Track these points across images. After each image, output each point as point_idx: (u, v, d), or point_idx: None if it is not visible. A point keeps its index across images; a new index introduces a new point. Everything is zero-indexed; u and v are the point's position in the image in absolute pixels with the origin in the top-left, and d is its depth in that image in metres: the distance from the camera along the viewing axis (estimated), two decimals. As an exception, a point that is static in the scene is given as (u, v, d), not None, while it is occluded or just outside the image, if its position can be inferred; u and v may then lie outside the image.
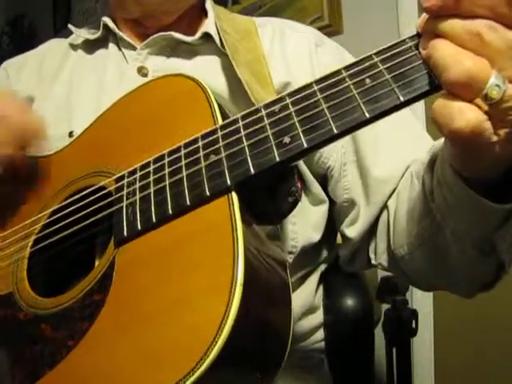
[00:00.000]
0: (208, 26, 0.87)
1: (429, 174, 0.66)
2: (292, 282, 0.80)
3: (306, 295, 0.87)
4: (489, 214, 0.55)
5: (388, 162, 0.80)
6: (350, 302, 0.93)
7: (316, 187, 0.85)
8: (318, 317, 0.90)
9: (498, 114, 0.42)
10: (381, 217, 0.81)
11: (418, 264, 0.74)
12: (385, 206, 0.80)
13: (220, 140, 0.53)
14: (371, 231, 0.82)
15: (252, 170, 0.50)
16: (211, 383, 0.43)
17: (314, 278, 0.89)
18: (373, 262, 0.83)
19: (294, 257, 0.81)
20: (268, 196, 0.55)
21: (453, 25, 0.42)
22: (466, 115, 0.41)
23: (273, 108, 0.51)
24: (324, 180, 0.85)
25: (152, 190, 0.56)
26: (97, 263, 0.64)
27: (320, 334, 0.90)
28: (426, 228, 0.68)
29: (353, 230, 0.83)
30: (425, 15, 0.45)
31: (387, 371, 1.23)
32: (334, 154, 0.82)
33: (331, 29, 1.98)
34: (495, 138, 0.43)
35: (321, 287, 0.92)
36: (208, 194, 0.51)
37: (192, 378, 0.42)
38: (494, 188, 0.54)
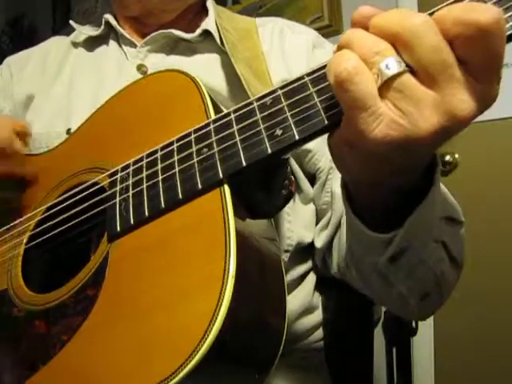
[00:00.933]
0: (208, 23, 0.87)
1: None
2: (289, 281, 0.80)
3: (304, 295, 0.87)
4: (370, 241, 0.56)
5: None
6: (349, 301, 0.93)
7: (306, 186, 0.85)
8: (317, 316, 0.90)
9: (388, 95, 0.42)
10: (339, 229, 0.81)
11: (354, 281, 0.74)
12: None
13: (212, 134, 0.53)
14: (331, 242, 0.83)
15: (244, 162, 0.49)
16: (202, 377, 0.43)
17: (312, 278, 0.89)
18: (330, 271, 0.84)
19: (289, 255, 0.81)
20: (261, 189, 0.55)
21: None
22: (364, 81, 0.42)
23: (265, 100, 0.51)
24: (312, 180, 0.86)
25: (145, 184, 0.56)
26: (91, 259, 0.64)
27: (319, 334, 0.90)
28: (348, 249, 0.70)
29: (320, 239, 0.84)
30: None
31: (387, 371, 1.22)
32: (325, 157, 0.83)
33: (331, 29, 1.99)
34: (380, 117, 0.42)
35: (319, 286, 0.92)
36: (200, 187, 0.51)
37: (183, 372, 0.42)
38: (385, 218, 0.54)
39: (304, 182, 0.84)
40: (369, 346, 0.99)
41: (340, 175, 0.79)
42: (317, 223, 0.86)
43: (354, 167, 0.49)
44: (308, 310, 0.87)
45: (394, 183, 0.50)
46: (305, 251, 0.85)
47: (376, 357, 1.01)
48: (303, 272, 0.87)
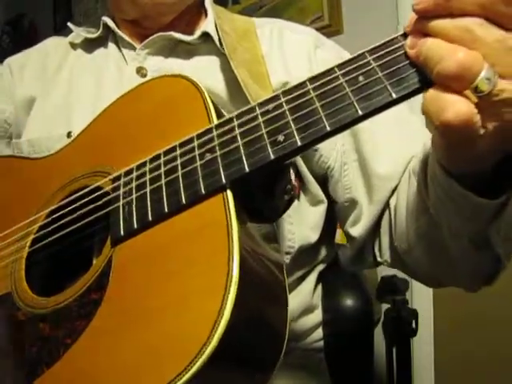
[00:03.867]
0: (207, 25, 0.87)
1: (423, 171, 0.66)
2: (289, 282, 0.81)
3: (304, 294, 0.87)
4: (479, 209, 0.56)
5: (389, 159, 0.80)
6: (349, 301, 0.94)
7: (315, 187, 0.85)
8: (317, 316, 0.90)
9: (486, 108, 0.42)
10: (384, 214, 0.81)
11: (420, 259, 0.74)
12: (387, 204, 0.80)
13: (215, 139, 0.54)
14: (375, 229, 0.83)
15: (247, 168, 0.50)
16: (206, 380, 0.43)
17: (312, 278, 0.90)
18: (378, 259, 0.83)
19: (291, 257, 0.81)
20: (263, 194, 0.55)
21: (444, 23, 0.43)
22: (457, 106, 0.42)
23: (267, 106, 0.52)
24: (324, 180, 0.85)
25: (148, 189, 0.56)
26: (94, 262, 0.64)
27: (319, 334, 0.90)
28: (424, 224, 0.69)
29: (356, 229, 0.83)
30: (413, 15, 0.45)
31: (387, 371, 1.23)
32: (334, 154, 0.82)
33: (331, 29, 1.98)
34: (482, 131, 0.43)
35: (319, 287, 0.93)
36: (203, 192, 0.51)
37: (187, 375, 0.42)
38: (484, 183, 0.54)
39: (313, 185, 0.84)
40: (369, 346, 0.99)
41: (377, 160, 0.80)
42: (343, 219, 0.87)
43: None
44: (308, 310, 0.87)
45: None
46: (307, 252, 0.86)
47: (376, 357, 1.01)
48: (304, 273, 0.87)
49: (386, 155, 0.81)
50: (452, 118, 0.42)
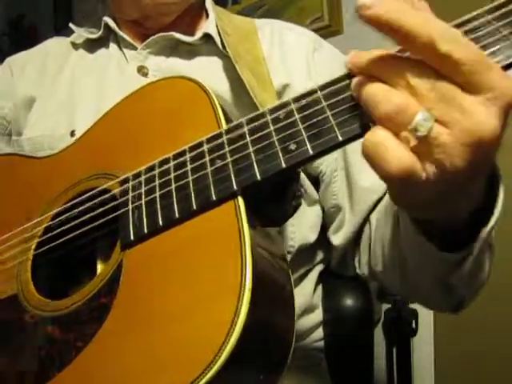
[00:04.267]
0: (209, 26, 0.87)
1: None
2: (290, 282, 0.81)
3: (304, 294, 0.88)
4: (438, 259, 0.57)
5: (373, 172, 0.80)
6: (349, 301, 0.94)
7: (310, 188, 0.86)
8: (317, 316, 0.90)
9: (425, 152, 0.41)
10: (364, 229, 0.82)
11: (392, 283, 0.76)
12: (368, 218, 0.81)
13: (226, 145, 0.54)
14: (355, 240, 0.84)
15: (258, 176, 0.50)
16: None
17: (312, 278, 0.90)
18: (357, 270, 0.85)
19: (291, 257, 0.82)
20: (273, 200, 0.56)
21: (379, 71, 0.43)
22: (399, 158, 0.41)
23: (278, 113, 0.51)
24: (316, 183, 0.86)
25: (158, 193, 0.56)
26: (99, 266, 0.64)
27: (319, 334, 0.90)
28: (395, 256, 0.70)
29: (338, 237, 0.85)
30: (353, 54, 0.46)
31: (387, 371, 1.23)
32: (327, 160, 0.83)
33: (331, 29, 1.98)
34: (424, 177, 0.42)
35: (319, 287, 0.93)
36: (214, 198, 0.51)
37: (202, 382, 0.42)
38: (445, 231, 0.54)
39: (308, 185, 0.85)
40: (369, 345, 0.99)
41: (361, 171, 0.80)
42: (327, 225, 0.87)
43: (422, 206, 0.49)
44: (308, 310, 0.88)
45: (460, 207, 0.50)
46: (306, 252, 0.86)
47: (376, 357, 1.01)
48: (304, 272, 0.87)
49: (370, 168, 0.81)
50: (393, 169, 0.41)
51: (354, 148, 0.81)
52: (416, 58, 0.42)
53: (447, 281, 0.60)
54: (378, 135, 0.42)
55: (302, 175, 0.83)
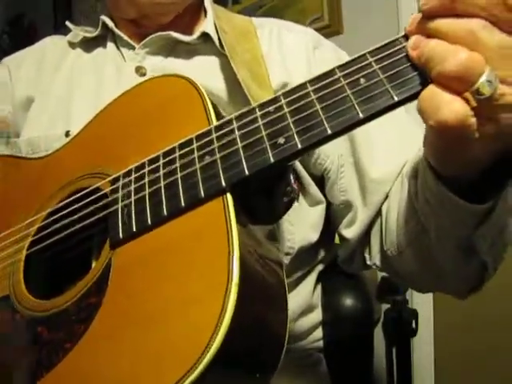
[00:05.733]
0: (207, 25, 0.87)
1: (414, 176, 0.67)
2: (289, 282, 0.81)
3: (304, 294, 0.87)
4: (466, 214, 0.56)
5: (384, 163, 0.80)
6: (349, 301, 0.93)
7: (313, 188, 0.85)
8: (317, 316, 0.90)
9: (485, 112, 0.42)
10: (376, 218, 0.81)
11: (408, 264, 0.74)
12: (380, 208, 0.80)
13: (215, 141, 0.53)
14: (367, 232, 0.83)
15: (246, 171, 0.50)
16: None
17: (312, 278, 0.90)
18: (367, 261, 0.83)
19: (291, 258, 0.81)
20: (263, 196, 0.55)
21: (447, 23, 0.42)
22: (454, 106, 0.41)
23: (267, 108, 0.51)
24: (321, 181, 0.86)
25: (147, 191, 0.56)
26: (93, 265, 0.64)
27: (318, 333, 0.90)
28: (413, 229, 0.69)
29: (350, 231, 0.83)
30: (414, 16, 0.45)
31: (387, 371, 1.23)
32: (331, 156, 0.82)
33: (331, 29, 1.98)
34: (477, 135, 0.42)
35: (319, 286, 0.93)
36: (203, 195, 0.51)
37: (189, 379, 0.42)
38: (473, 187, 0.54)
39: (311, 185, 0.84)
40: (369, 346, 0.99)
41: (372, 163, 0.80)
42: (337, 222, 0.86)
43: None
44: (307, 310, 0.88)
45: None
46: (307, 252, 0.86)
47: (376, 357, 1.01)
48: (303, 273, 0.87)
49: (380, 159, 0.81)
50: (448, 117, 0.41)
51: (362, 141, 0.81)
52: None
53: (471, 241, 0.59)
54: (435, 89, 0.42)
55: (305, 175, 0.83)
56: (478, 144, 0.44)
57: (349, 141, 0.82)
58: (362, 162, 0.82)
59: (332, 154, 0.82)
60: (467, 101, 0.41)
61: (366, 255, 0.83)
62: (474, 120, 0.42)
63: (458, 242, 0.61)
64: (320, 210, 0.87)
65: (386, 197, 0.79)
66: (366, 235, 0.83)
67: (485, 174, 0.51)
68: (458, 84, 0.41)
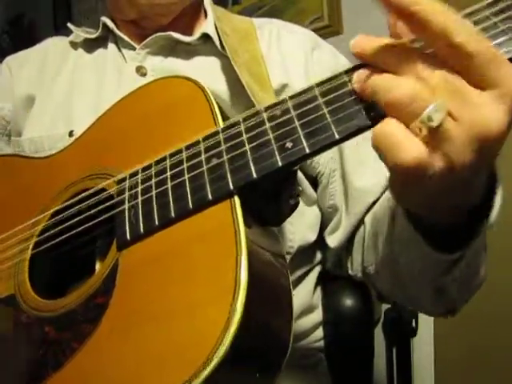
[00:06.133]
0: (207, 26, 0.87)
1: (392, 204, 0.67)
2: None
3: (304, 294, 0.87)
4: (434, 260, 0.57)
5: (370, 173, 0.81)
6: (349, 301, 0.93)
7: (309, 188, 0.85)
8: (317, 316, 0.90)
9: (435, 145, 0.41)
10: (358, 230, 0.82)
11: (383, 283, 0.76)
12: (363, 219, 0.81)
13: (222, 143, 0.53)
14: (350, 242, 0.84)
15: (254, 175, 0.50)
16: None
17: (312, 278, 0.90)
18: (349, 272, 0.85)
19: (290, 257, 0.82)
20: (270, 199, 0.55)
21: (392, 59, 0.43)
22: (410, 147, 0.41)
23: (274, 111, 0.51)
24: (314, 183, 0.86)
25: (154, 192, 0.56)
26: (98, 265, 0.64)
27: (319, 333, 0.90)
28: (388, 254, 0.70)
29: (334, 238, 0.84)
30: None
31: (387, 371, 1.22)
32: (324, 160, 0.83)
33: (331, 29, 1.98)
34: (431, 172, 0.42)
35: (319, 287, 0.93)
36: (210, 197, 0.51)
37: (196, 381, 0.42)
38: (444, 232, 0.54)
39: (307, 185, 0.85)
40: (369, 345, 0.99)
41: (356, 172, 0.80)
42: (324, 225, 0.87)
43: (419, 202, 0.50)
44: (308, 310, 0.88)
45: (454, 204, 0.50)
46: (306, 252, 0.86)
47: (376, 357, 1.01)
48: (304, 272, 0.87)
49: (367, 168, 0.81)
50: (406, 159, 0.41)
51: (350, 148, 0.82)
52: (427, 51, 0.42)
53: (440, 283, 0.60)
54: (389, 125, 0.42)
55: (301, 175, 0.83)
56: (432, 183, 0.43)
57: (338, 146, 0.83)
58: (347, 169, 0.83)
59: (325, 157, 0.83)
60: (418, 131, 0.41)
61: (349, 265, 0.85)
62: (430, 159, 0.41)
63: (428, 281, 0.62)
64: (316, 210, 0.87)
65: (370, 208, 0.80)
66: (348, 244, 0.84)
67: (455, 220, 0.52)
68: (406, 114, 0.41)
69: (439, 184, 0.43)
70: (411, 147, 0.41)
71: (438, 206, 0.49)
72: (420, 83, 0.41)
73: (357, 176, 0.81)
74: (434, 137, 0.40)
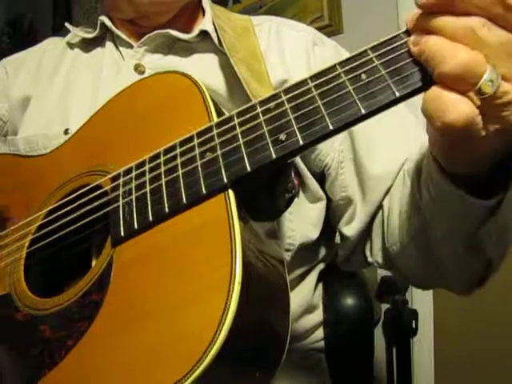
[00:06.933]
0: (205, 24, 0.87)
1: (417, 172, 0.67)
2: (290, 281, 0.80)
3: (305, 294, 0.87)
4: (472, 209, 0.56)
5: (384, 159, 0.80)
6: (349, 301, 0.93)
7: (313, 184, 0.84)
8: (317, 316, 0.90)
9: (489, 110, 0.42)
10: (377, 215, 0.81)
11: (411, 261, 0.74)
12: (380, 205, 0.80)
13: (215, 137, 0.53)
14: (367, 229, 0.82)
15: (248, 168, 0.49)
16: (210, 381, 0.43)
17: (313, 277, 0.89)
18: (369, 259, 0.83)
19: (291, 254, 0.81)
20: (265, 193, 0.55)
21: (447, 20, 0.42)
22: (459, 107, 0.41)
23: (268, 105, 0.51)
24: (321, 177, 0.85)
25: (148, 188, 0.55)
26: (94, 263, 0.64)
27: (319, 333, 0.90)
28: (416, 225, 0.69)
29: (350, 228, 0.83)
30: (415, 12, 0.45)
31: (387, 371, 1.22)
32: (331, 153, 0.82)
33: (331, 29, 1.98)
34: (484, 133, 0.43)
35: (320, 286, 0.92)
36: (204, 192, 0.51)
37: (191, 378, 0.42)
38: (479, 184, 0.54)
39: (311, 181, 0.84)
40: (369, 346, 0.99)
41: (372, 159, 0.80)
42: (337, 218, 0.86)
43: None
44: (308, 310, 0.87)
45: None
46: (307, 250, 0.85)
47: (376, 357, 1.01)
48: (304, 271, 0.87)
49: (380, 155, 0.80)
50: (455, 119, 0.41)
51: (362, 137, 0.81)
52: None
53: (477, 236, 0.59)
54: (439, 90, 0.42)
55: (305, 171, 0.83)
56: (484, 142, 0.44)
57: (349, 136, 0.82)
58: (361, 158, 0.82)
59: (332, 150, 0.82)
60: (471, 100, 0.41)
61: (368, 252, 0.83)
62: (480, 119, 0.42)
63: (462, 239, 0.61)
64: (320, 207, 0.86)
65: (387, 193, 0.79)
66: (366, 232, 0.83)
67: (491, 172, 0.52)
68: (460, 84, 0.41)
69: (491, 145, 0.44)
70: (463, 107, 0.41)
71: (484, 162, 0.50)
72: (473, 52, 0.41)
73: (372, 164, 0.81)
74: (488, 102, 0.41)
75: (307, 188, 0.84)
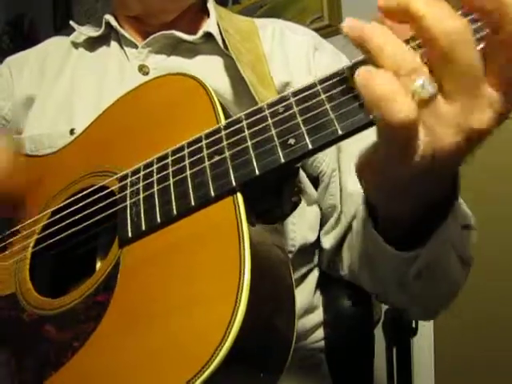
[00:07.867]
0: (210, 25, 0.87)
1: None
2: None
3: (305, 294, 0.87)
4: (393, 256, 0.58)
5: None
6: (349, 301, 0.93)
7: (310, 187, 0.85)
8: (318, 316, 0.90)
9: (425, 117, 0.42)
10: (351, 230, 0.82)
11: (365, 282, 0.77)
12: (351, 224, 0.81)
13: (224, 139, 0.53)
14: (340, 244, 0.84)
15: (257, 171, 0.49)
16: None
17: (313, 278, 0.90)
18: (340, 272, 0.85)
19: (292, 256, 0.82)
20: (272, 196, 0.55)
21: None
22: (404, 105, 0.41)
23: (276, 107, 0.51)
24: (315, 182, 0.86)
25: (156, 189, 0.55)
26: (99, 263, 0.64)
27: (319, 334, 0.90)
28: (363, 255, 0.71)
29: (328, 239, 0.85)
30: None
31: (387, 371, 1.22)
32: (327, 159, 0.83)
33: (331, 29, 1.98)
34: (419, 150, 0.43)
35: (320, 287, 0.93)
36: (213, 194, 0.51)
37: (199, 380, 0.42)
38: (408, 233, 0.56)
39: (307, 185, 0.85)
40: (369, 346, 0.99)
41: (350, 175, 0.80)
42: (322, 225, 0.87)
43: (382, 194, 0.51)
44: (309, 310, 0.87)
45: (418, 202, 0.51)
46: (307, 251, 0.86)
47: (376, 357, 1.01)
48: (304, 272, 0.87)
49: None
50: (400, 116, 0.41)
51: (345, 150, 0.82)
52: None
53: (402, 278, 0.62)
54: (385, 77, 0.42)
55: (302, 174, 0.83)
56: (418, 166, 0.44)
57: (336, 148, 0.83)
58: (342, 170, 0.84)
59: (328, 156, 0.83)
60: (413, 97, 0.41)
61: (340, 266, 0.85)
62: (417, 126, 0.42)
63: (394, 280, 0.64)
64: (316, 210, 0.87)
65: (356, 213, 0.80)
66: (338, 247, 0.84)
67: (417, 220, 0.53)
68: (402, 72, 0.41)
69: (419, 162, 0.44)
70: (404, 104, 0.41)
71: (408, 192, 0.50)
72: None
73: (349, 178, 0.82)
74: (424, 108, 0.41)
75: (304, 191, 0.84)
